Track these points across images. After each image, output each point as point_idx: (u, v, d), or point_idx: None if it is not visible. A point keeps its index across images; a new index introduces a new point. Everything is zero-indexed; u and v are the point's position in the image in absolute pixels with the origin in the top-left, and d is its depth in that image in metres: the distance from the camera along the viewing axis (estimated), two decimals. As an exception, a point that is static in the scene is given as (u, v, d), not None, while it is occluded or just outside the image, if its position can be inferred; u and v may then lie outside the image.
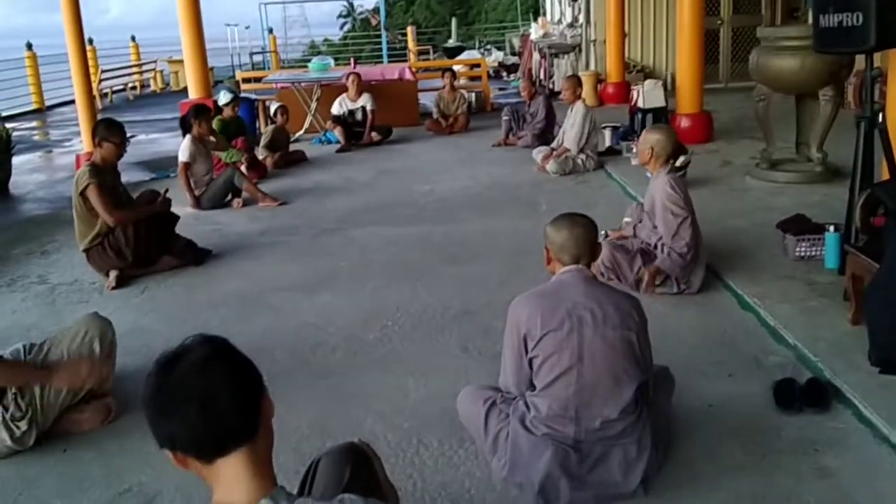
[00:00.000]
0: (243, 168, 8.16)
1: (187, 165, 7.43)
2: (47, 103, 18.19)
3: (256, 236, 6.58)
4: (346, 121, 10.68)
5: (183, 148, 7.47)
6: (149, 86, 22.53)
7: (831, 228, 4.74)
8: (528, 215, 6.72)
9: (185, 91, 14.19)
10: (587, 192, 7.44)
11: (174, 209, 6.03)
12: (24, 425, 3.25)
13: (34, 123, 16.20)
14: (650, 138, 4.77)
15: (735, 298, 4.59)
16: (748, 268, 4.91)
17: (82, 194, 5.36)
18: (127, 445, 3.35)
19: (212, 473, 1.57)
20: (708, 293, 4.69)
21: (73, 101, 17.90)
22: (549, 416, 2.82)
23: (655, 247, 4.71)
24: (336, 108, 10.75)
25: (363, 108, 10.73)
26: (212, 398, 1.53)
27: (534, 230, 6.21)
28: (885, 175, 4.38)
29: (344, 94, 10.82)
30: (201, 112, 7.63)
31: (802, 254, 4.92)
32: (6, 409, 3.23)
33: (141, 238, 5.49)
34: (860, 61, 8.20)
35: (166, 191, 5.90)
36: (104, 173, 5.43)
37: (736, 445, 3.11)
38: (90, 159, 5.60)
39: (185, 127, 7.60)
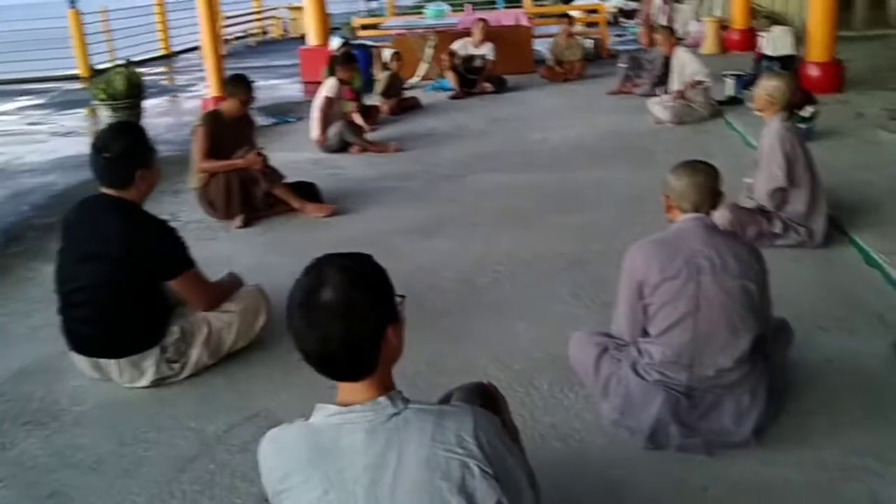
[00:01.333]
0: (356, 117, 8.31)
1: (330, 100, 7.66)
2: (173, 49, 18.90)
3: (373, 181, 6.73)
4: (461, 66, 10.65)
5: (329, 85, 7.72)
6: (268, 32, 23.05)
7: (971, 183, 4.49)
8: (644, 165, 6.61)
9: (303, 38, 14.51)
10: (706, 142, 7.24)
11: (295, 154, 6.19)
12: (176, 368, 3.47)
13: (161, 69, 16.89)
14: (768, 85, 4.62)
15: (861, 254, 4.43)
16: (876, 223, 4.72)
17: (193, 134, 5.62)
18: (255, 373, 3.57)
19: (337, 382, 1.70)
20: (832, 247, 4.54)
21: (197, 48, 18.67)
22: (662, 363, 2.83)
23: None
24: (458, 46, 10.71)
25: (483, 56, 10.68)
26: (333, 352, 1.62)
27: (648, 180, 6.13)
28: None
29: (467, 39, 10.76)
30: (349, 59, 8.01)
31: (937, 210, 4.68)
32: (164, 350, 3.43)
33: (233, 192, 5.59)
34: None
35: (257, 151, 5.75)
36: (221, 122, 5.61)
37: (854, 401, 3.05)
38: (217, 105, 5.84)
39: (331, 69, 8.04)
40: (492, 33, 11.23)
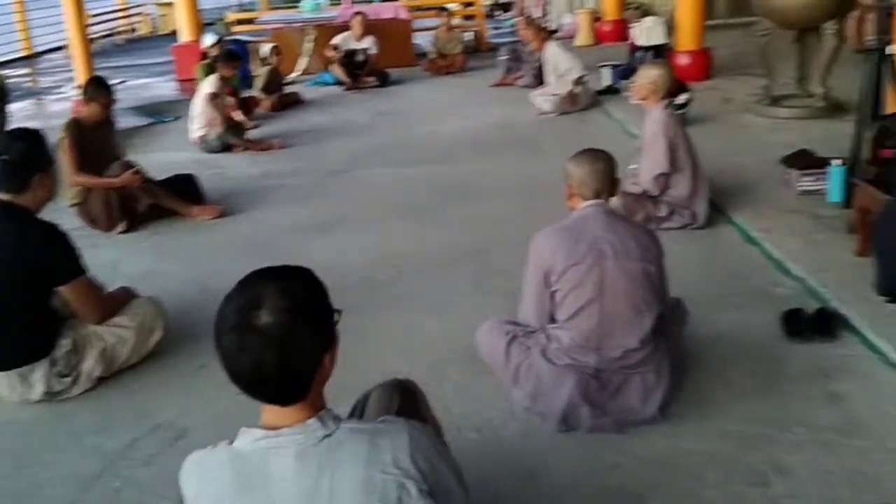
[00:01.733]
0: (236, 114, 8.08)
1: (215, 95, 7.44)
2: (36, 49, 17.90)
3: (258, 179, 6.59)
4: (345, 60, 10.57)
5: (211, 81, 7.48)
6: (136, 30, 22.16)
7: (837, 162, 4.79)
8: (533, 155, 6.75)
9: (174, 35, 14.01)
10: (589, 131, 7.44)
11: (174, 154, 5.98)
12: (66, 383, 3.29)
13: (24, 70, 15.96)
14: (648, 74, 4.81)
15: (740, 233, 4.67)
16: (752, 203, 4.98)
17: (58, 147, 5.29)
18: (152, 384, 3.44)
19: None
20: (713, 228, 4.76)
21: (62, 48, 17.72)
22: (571, 347, 2.90)
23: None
24: (338, 40, 10.60)
25: (365, 50, 10.61)
26: (259, 374, 1.53)
27: (539, 170, 6.28)
28: (892, 108, 4.41)
29: (348, 33, 10.66)
30: (232, 56, 7.91)
31: (806, 188, 4.98)
32: (54, 363, 3.26)
33: (113, 207, 5.37)
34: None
35: (134, 169, 5.49)
36: (85, 130, 5.35)
37: (748, 372, 3.21)
38: (74, 113, 5.57)
39: (209, 67, 7.97)
40: (371, 26, 11.18)
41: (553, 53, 8.31)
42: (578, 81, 8.24)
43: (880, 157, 4.10)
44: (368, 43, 10.62)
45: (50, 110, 11.03)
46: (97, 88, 5.39)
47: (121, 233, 5.40)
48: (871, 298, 3.59)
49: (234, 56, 7.97)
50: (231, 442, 1.61)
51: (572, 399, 2.88)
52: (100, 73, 7.42)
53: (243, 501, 1.55)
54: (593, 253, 2.85)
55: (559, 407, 2.89)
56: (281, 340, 1.51)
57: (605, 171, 3.00)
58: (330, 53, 10.58)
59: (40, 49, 17.98)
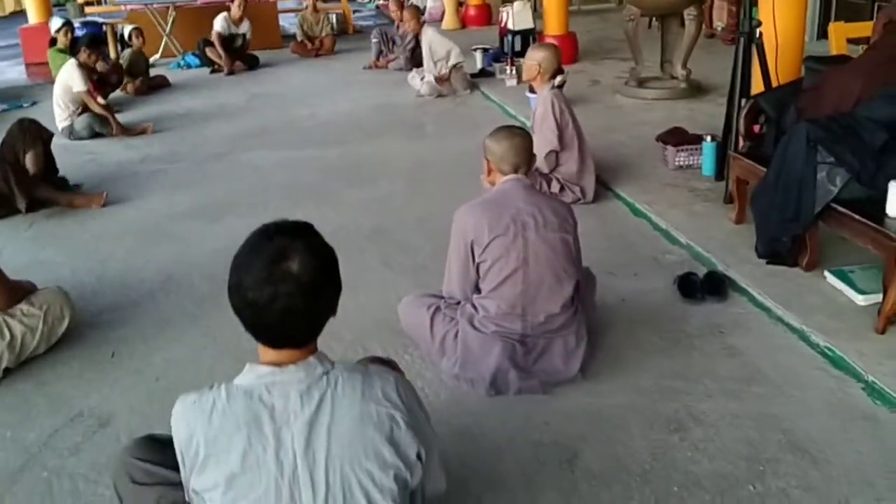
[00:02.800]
0: (94, 103, 7.71)
1: (90, 92, 7.12)
2: None
3: (136, 164, 6.36)
4: (229, 45, 10.25)
5: (77, 77, 7.04)
6: (-33, 9, 20.56)
7: (708, 138, 5.16)
8: (417, 137, 6.84)
9: (14, 15, 13.15)
10: (469, 113, 7.60)
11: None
12: None
13: None
14: (536, 55, 5.02)
15: (626, 206, 4.95)
16: (634, 178, 5.28)
17: None
18: (64, 374, 3.32)
19: (265, 348, 1.73)
20: (601, 202, 5.02)
21: None
22: (497, 315, 3.02)
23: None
24: (220, 27, 10.20)
25: (244, 35, 10.36)
26: (296, 318, 1.66)
27: (425, 150, 6.39)
28: (758, 87, 4.79)
29: (226, 14, 10.30)
30: (96, 42, 7.54)
31: (682, 163, 5.32)
32: None
33: None
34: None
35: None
36: None
37: (652, 332, 3.45)
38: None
39: (71, 51, 7.54)
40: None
41: (430, 37, 8.40)
42: (457, 67, 8.38)
43: (752, 133, 4.44)
44: (246, 27, 10.38)
45: None
46: None
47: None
48: (753, 261, 3.92)
49: (97, 42, 7.59)
50: (220, 384, 1.71)
51: (500, 364, 3.01)
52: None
53: (244, 434, 1.64)
54: (516, 224, 2.98)
55: (488, 372, 3.01)
56: (311, 287, 1.65)
57: (522, 146, 3.13)
58: (215, 39, 10.20)
59: None
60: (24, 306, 3.31)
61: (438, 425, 2.79)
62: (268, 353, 1.72)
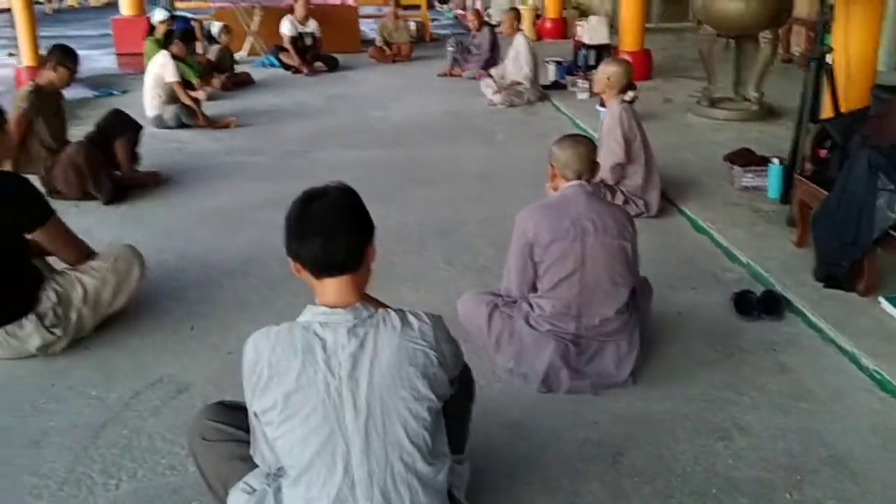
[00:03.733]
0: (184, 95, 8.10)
1: (181, 84, 7.47)
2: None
3: (222, 156, 6.67)
4: (296, 44, 10.63)
5: (170, 69, 7.41)
6: (64, 0, 21.54)
7: (775, 161, 5.20)
8: (485, 143, 7.01)
9: (106, 7, 13.74)
10: (538, 123, 7.75)
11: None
12: (58, 333, 3.39)
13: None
14: (607, 69, 5.13)
15: (689, 222, 5.02)
16: (699, 195, 5.35)
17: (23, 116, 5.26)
18: (149, 342, 3.57)
19: (319, 285, 2.05)
20: (665, 217, 5.10)
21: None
22: (552, 315, 3.16)
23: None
24: (287, 29, 10.63)
25: (312, 34, 10.70)
26: (333, 235, 1.99)
27: (493, 156, 6.57)
28: (827, 113, 4.83)
29: (291, 16, 10.72)
30: (189, 37, 7.98)
31: (748, 184, 5.37)
32: (42, 317, 3.35)
33: (84, 179, 5.38)
34: (799, 7, 8.74)
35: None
36: (46, 97, 5.37)
37: (706, 345, 3.53)
38: (35, 79, 5.57)
39: (165, 42, 7.87)
40: (318, 11, 11.29)
41: (520, 44, 8.53)
42: (515, 84, 8.51)
43: (818, 157, 4.49)
44: (313, 26, 10.72)
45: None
46: (66, 54, 5.38)
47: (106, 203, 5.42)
48: (810, 283, 3.97)
49: (190, 36, 7.99)
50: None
51: (553, 362, 3.14)
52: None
53: (304, 356, 1.95)
54: (576, 228, 3.11)
55: (541, 369, 3.15)
56: (346, 204, 2.04)
57: (586, 154, 3.27)
58: (286, 44, 10.60)
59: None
60: (92, 262, 3.56)
61: (489, 415, 2.98)
62: (324, 294, 2.03)
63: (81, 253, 3.58)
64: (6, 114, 3.61)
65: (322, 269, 2.01)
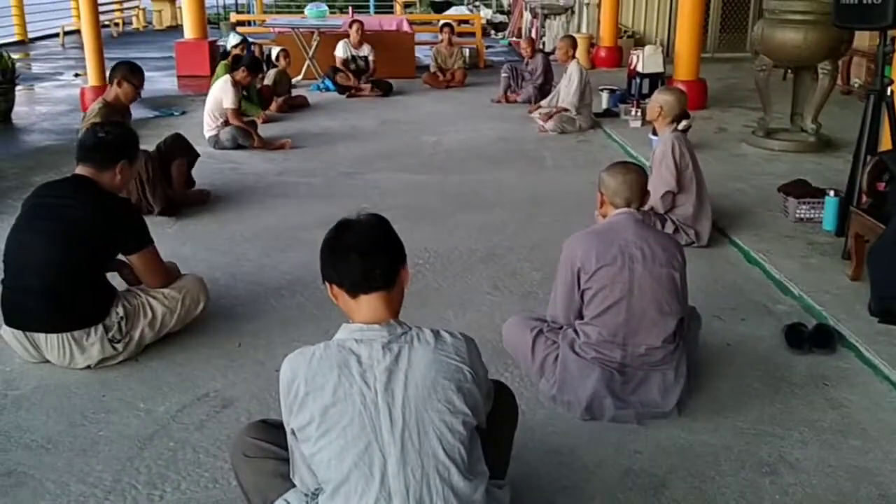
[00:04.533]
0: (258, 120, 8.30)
1: (237, 111, 7.67)
2: (30, 35, 17.91)
3: (274, 176, 6.78)
4: (349, 66, 10.83)
5: (230, 95, 7.59)
6: (131, 23, 22.20)
7: (831, 193, 5.10)
8: (536, 169, 7.02)
9: (170, 30, 14.08)
10: (589, 150, 7.73)
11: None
12: (119, 349, 3.50)
13: (18, 55, 15.96)
14: (660, 98, 5.10)
15: (741, 253, 4.95)
16: (751, 226, 5.27)
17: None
18: (195, 358, 3.63)
19: (354, 304, 2.13)
20: (716, 248, 5.04)
21: (56, 34, 17.73)
22: (598, 342, 3.14)
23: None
24: (341, 51, 10.85)
25: (365, 57, 10.88)
26: (370, 253, 2.10)
27: (543, 183, 6.57)
28: (886, 145, 4.73)
29: (346, 40, 10.92)
30: (256, 65, 8.14)
31: (802, 216, 5.28)
32: (108, 329, 3.46)
33: (131, 189, 5.42)
34: (859, 38, 8.61)
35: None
36: (115, 113, 5.54)
37: (755, 378, 3.47)
38: (102, 95, 5.74)
39: (233, 67, 8.05)
40: (374, 37, 11.46)
41: (574, 71, 8.54)
42: (561, 111, 8.51)
43: (875, 190, 4.39)
44: (366, 50, 10.90)
45: (54, 96, 11.10)
46: (132, 70, 5.55)
47: (158, 214, 5.56)
48: (865, 317, 3.88)
49: (257, 66, 8.15)
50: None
51: (597, 390, 3.11)
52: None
53: (336, 373, 2.00)
54: (624, 256, 3.09)
55: (585, 396, 3.12)
56: (380, 227, 2.16)
57: (636, 181, 3.26)
58: (339, 65, 10.82)
59: (34, 35, 18.00)
60: (166, 290, 3.67)
61: (532, 442, 2.97)
62: (359, 313, 2.11)
63: (166, 282, 3.72)
64: (139, 154, 3.88)
65: (359, 286, 2.10)
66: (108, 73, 9.25)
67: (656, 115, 5.11)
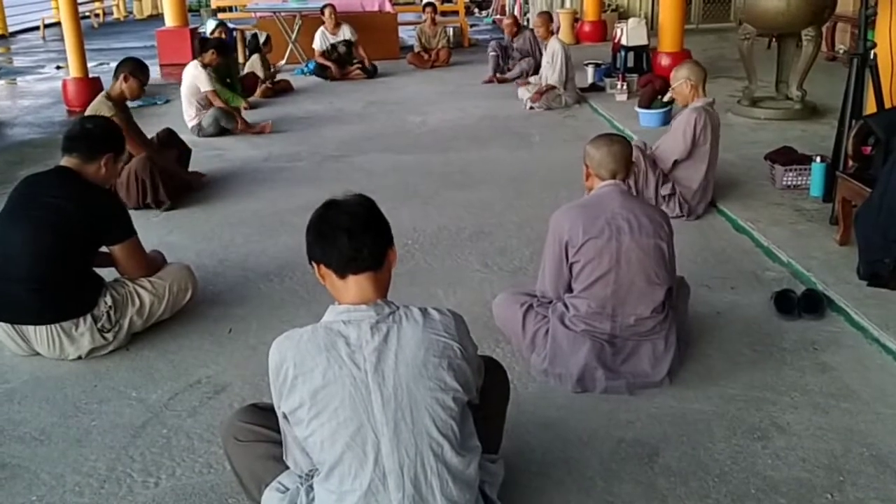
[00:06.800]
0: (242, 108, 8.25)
1: (216, 92, 7.61)
2: (10, 30, 17.74)
3: (260, 162, 6.75)
4: (330, 56, 10.73)
5: (202, 78, 7.54)
6: (111, 13, 22.01)
7: (818, 159, 5.11)
8: (522, 146, 7.00)
9: (151, 19, 13.97)
10: (576, 125, 7.70)
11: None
12: (108, 338, 3.49)
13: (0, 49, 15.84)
14: (681, 74, 5.00)
15: (729, 222, 4.96)
16: (739, 195, 5.28)
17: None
18: (186, 345, 3.62)
19: (342, 285, 2.09)
20: (704, 217, 5.04)
21: (37, 28, 17.58)
22: (587, 314, 3.14)
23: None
24: (318, 43, 10.75)
25: (345, 40, 10.78)
26: (358, 232, 2.05)
27: (530, 159, 6.55)
28: (871, 109, 4.73)
29: (323, 28, 10.82)
30: (224, 48, 8.03)
31: (789, 183, 5.28)
32: (97, 319, 3.45)
33: (146, 187, 5.47)
34: (842, 4, 8.59)
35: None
36: (122, 108, 5.51)
37: (745, 345, 3.48)
38: (104, 91, 5.69)
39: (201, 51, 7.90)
40: (356, 19, 11.37)
41: (553, 48, 8.49)
42: (549, 89, 8.47)
43: (861, 154, 4.40)
44: (345, 32, 10.76)
45: (36, 89, 11.00)
46: (139, 67, 5.50)
47: (165, 210, 5.51)
48: (853, 281, 3.90)
49: (225, 49, 8.06)
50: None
51: (588, 362, 3.12)
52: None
53: (329, 354, 1.99)
54: (611, 228, 3.09)
55: (576, 369, 3.13)
56: (367, 207, 2.12)
57: (620, 153, 3.24)
58: (318, 55, 10.73)
59: (14, 29, 17.84)
60: (153, 278, 3.66)
61: (524, 415, 2.97)
62: (347, 293, 2.08)
63: (148, 273, 3.69)
64: (125, 148, 3.79)
65: (347, 265, 2.06)
66: (89, 65, 9.27)
67: (689, 90, 4.98)
